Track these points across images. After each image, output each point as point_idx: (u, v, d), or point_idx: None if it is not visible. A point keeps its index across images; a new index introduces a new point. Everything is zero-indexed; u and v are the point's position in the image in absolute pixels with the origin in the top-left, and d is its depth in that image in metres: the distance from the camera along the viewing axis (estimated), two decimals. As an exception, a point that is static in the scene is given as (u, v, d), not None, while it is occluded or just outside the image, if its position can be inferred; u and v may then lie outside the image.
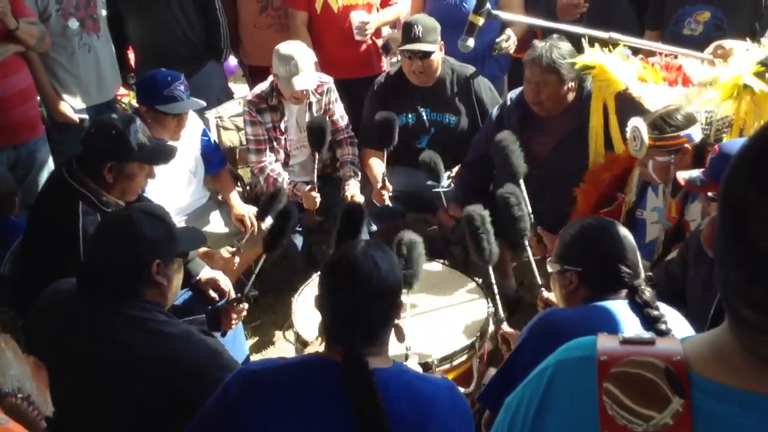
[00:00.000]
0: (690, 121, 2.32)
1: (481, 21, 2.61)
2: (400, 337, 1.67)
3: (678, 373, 0.74)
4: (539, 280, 2.35)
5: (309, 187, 3.23)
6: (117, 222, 1.86)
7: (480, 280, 2.81)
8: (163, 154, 2.48)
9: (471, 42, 2.66)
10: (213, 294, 2.66)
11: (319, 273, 2.78)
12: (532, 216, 2.50)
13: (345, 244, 1.69)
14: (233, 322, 2.40)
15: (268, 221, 3.25)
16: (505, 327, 2.25)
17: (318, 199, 3.21)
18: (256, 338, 3.39)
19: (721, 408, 0.72)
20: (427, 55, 3.26)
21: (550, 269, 1.87)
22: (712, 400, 0.73)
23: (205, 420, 1.53)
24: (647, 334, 0.81)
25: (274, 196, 2.59)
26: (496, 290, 2.39)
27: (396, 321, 1.62)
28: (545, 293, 2.26)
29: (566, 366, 0.83)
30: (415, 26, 3.24)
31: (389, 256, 1.62)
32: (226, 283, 2.70)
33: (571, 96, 2.97)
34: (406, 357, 2.14)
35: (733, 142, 2.11)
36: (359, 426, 1.41)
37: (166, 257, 1.84)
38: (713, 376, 0.74)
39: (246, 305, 2.43)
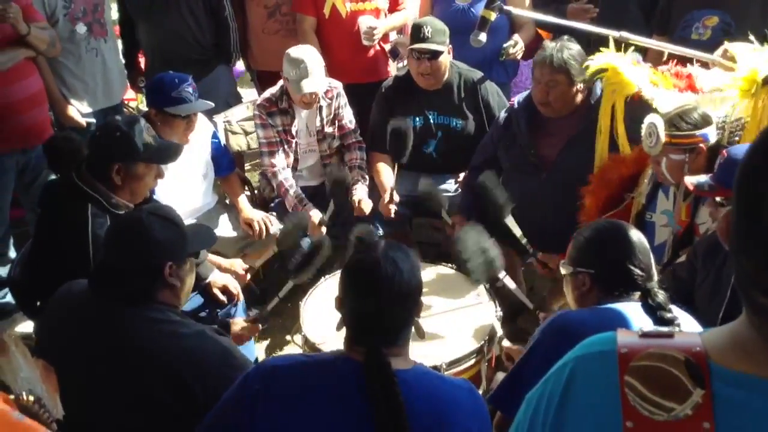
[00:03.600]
0: (706, 121, 2.32)
1: (493, 16, 2.62)
2: (420, 334, 1.67)
3: (698, 363, 0.76)
4: (530, 305, 2.39)
5: (318, 220, 3.22)
6: (128, 225, 1.87)
7: (488, 285, 2.81)
8: (169, 152, 2.48)
9: (483, 37, 2.66)
10: (222, 297, 2.66)
11: (325, 277, 2.84)
12: (529, 246, 2.59)
13: (365, 246, 1.69)
14: (245, 340, 2.42)
15: (277, 225, 3.27)
16: (506, 343, 2.26)
17: (323, 232, 3.22)
18: (263, 342, 3.39)
19: (741, 396, 0.73)
20: (435, 55, 3.27)
21: (563, 271, 1.87)
22: (733, 389, 0.74)
23: (223, 413, 1.53)
24: (665, 329, 0.84)
25: (312, 253, 2.59)
26: (497, 308, 2.41)
27: (416, 319, 1.62)
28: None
29: (586, 360, 0.84)
30: (425, 27, 3.25)
31: (410, 258, 1.60)
32: (235, 287, 2.70)
33: (579, 97, 2.97)
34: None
35: (741, 147, 2.11)
36: (379, 426, 1.41)
37: (178, 259, 1.85)
38: (733, 366, 0.75)
39: (261, 326, 2.45)
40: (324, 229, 3.21)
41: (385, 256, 1.56)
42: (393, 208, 3.24)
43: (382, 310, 1.53)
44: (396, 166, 3.28)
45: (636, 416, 0.76)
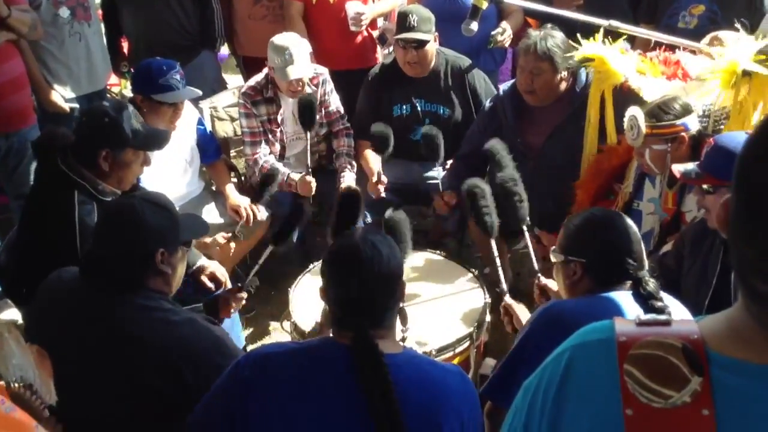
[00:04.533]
0: (686, 110, 2.35)
1: (485, 5, 2.63)
2: (404, 321, 1.68)
3: (696, 350, 0.76)
4: (536, 266, 2.36)
5: (303, 173, 3.22)
6: (121, 211, 1.85)
7: (476, 271, 2.83)
8: (157, 139, 2.45)
9: (474, 26, 2.68)
10: (209, 284, 2.65)
11: (314, 264, 2.84)
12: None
13: (343, 233, 1.71)
14: (231, 311, 2.40)
15: (264, 212, 3.27)
16: (508, 299, 2.25)
17: (313, 184, 3.21)
18: (252, 329, 3.39)
19: (740, 383, 0.74)
20: (421, 44, 3.26)
21: (553, 259, 1.87)
22: (731, 376, 0.74)
23: (215, 401, 1.54)
24: (662, 316, 0.83)
25: (268, 177, 2.68)
26: (498, 263, 2.37)
27: (400, 305, 1.63)
28: (543, 279, 2.27)
29: (585, 349, 0.85)
30: (410, 15, 3.24)
31: (388, 241, 1.65)
32: (222, 273, 2.69)
33: (563, 85, 2.99)
34: (404, 339, 2.14)
35: (728, 135, 2.13)
36: (370, 408, 1.42)
37: (171, 246, 1.84)
38: (731, 353, 0.76)
39: (245, 294, 2.42)
40: (313, 186, 3.21)
41: (363, 240, 1.59)
42: (381, 188, 3.24)
43: (365, 291, 1.55)
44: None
45: (635, 404, 0.76)
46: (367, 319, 1.54)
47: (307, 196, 3.26)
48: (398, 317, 1.67)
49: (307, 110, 3.07)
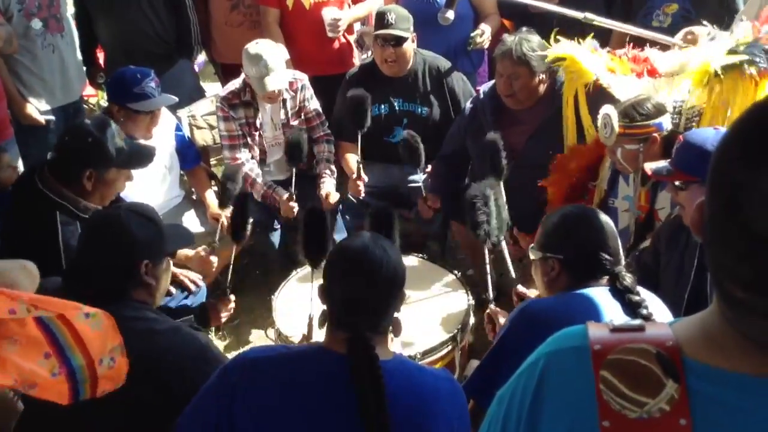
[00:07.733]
0: (660, 111, 2.37)
1: None
2: (397, 331, 1.67)
3: (672, 358, 0.74)
4: (513, 274, 2.37)
5: (287, 196, 3.22)
6: (106, 222, 1.84)
7: (459, 273, 2.83)
8: (141, 157, 2.46)
9: (450, 14, 2.70)
10: (193, 287, 2.66)
11: (296, 271, 2.83)
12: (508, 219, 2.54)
13: (351, 235, 1.70)
14: (222, 317, 2.40)
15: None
16: (492, 307, 2.26)
17: (296, 210, 3.20)
18: (233, 337, 3.36)
19: (716, 392, 0.72)
20: (399, 41, 3.28)
21: (532, 256, 1.88)
22: (707, 384, 0.73)
23: (202, 406, 1.53)
24: (636, 321, 0.81)
25: (227, 178, 2.68)
26: (488, 270, 2.38)
27: (395, 314, 1.62)
28: (520, 288, 2.28)
29: (559, 357, 0.83)
30: (388, 13, 3.26)
31: (395, 248, 1.64)
32: (193, 280, 2.71)
33: (542, 87, 3.01)
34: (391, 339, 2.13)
35: (697, 132, 2.15)
36: (361, 415, 1.41)
37: (155, 257, 1.83)
38: (706, 360, 0.74)
39: (233, 298, 2.42)
40: (296, 207, 3.19)
41: (373, 242, 1.59)
42: (361, 185, 3.24)
43: (369, 293, 1.54)
44: (362, 158, 3.27)
45: (612, 415, 0.74)
46: (366, 322, 1.53)
47: (287, 217, 3.26)
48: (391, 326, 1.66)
49: (295, 149, 3.04)
